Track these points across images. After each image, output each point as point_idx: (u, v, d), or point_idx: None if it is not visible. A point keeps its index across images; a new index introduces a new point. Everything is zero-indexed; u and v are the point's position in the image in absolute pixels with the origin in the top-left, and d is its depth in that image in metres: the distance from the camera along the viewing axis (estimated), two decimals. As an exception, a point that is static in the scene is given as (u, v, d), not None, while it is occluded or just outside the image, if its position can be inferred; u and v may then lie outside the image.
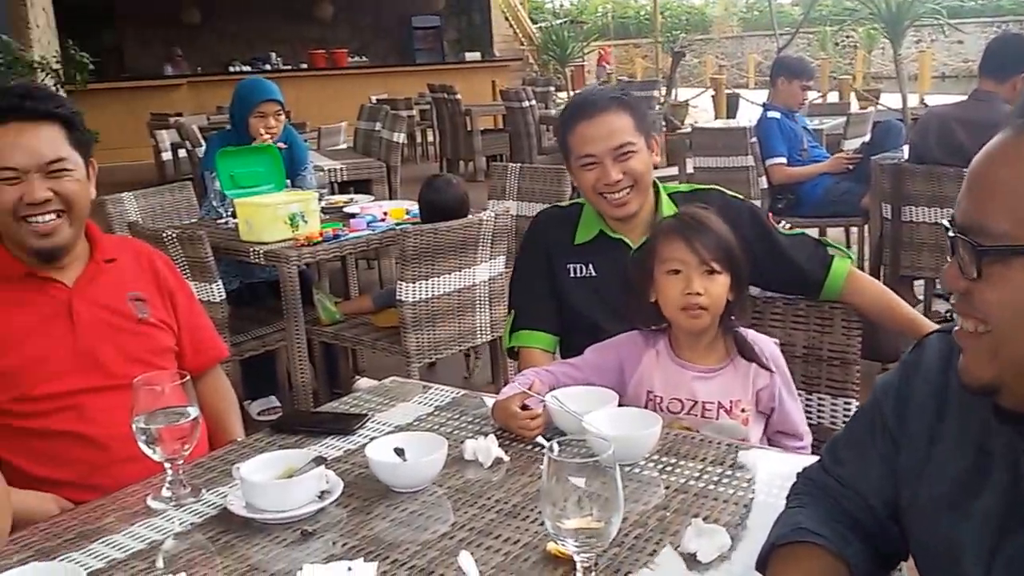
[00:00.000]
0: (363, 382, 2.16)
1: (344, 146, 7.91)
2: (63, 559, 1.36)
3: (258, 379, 4.18)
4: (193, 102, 13.79)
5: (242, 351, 3.75)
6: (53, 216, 1.81)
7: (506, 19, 20.23)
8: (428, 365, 3.77)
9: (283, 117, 4.24)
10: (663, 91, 11.81)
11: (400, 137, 6.86)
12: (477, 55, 17.58)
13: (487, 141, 10.82)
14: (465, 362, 4.14)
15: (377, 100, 10.98)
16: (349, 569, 1.28)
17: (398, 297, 3.42)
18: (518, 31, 20.46)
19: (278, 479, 1.48)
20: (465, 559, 1.28)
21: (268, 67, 16.40)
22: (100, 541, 1.43)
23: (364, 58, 17.68)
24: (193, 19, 17.60)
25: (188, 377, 1.56)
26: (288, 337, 3.71)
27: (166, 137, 10.23)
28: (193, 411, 1.54)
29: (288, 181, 4.16)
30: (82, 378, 1.84)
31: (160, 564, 1.35)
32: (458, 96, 10.97)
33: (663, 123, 8.22)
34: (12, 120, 1.78)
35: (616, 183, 2.06)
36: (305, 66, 16.56)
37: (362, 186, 5.96)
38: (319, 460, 1.50)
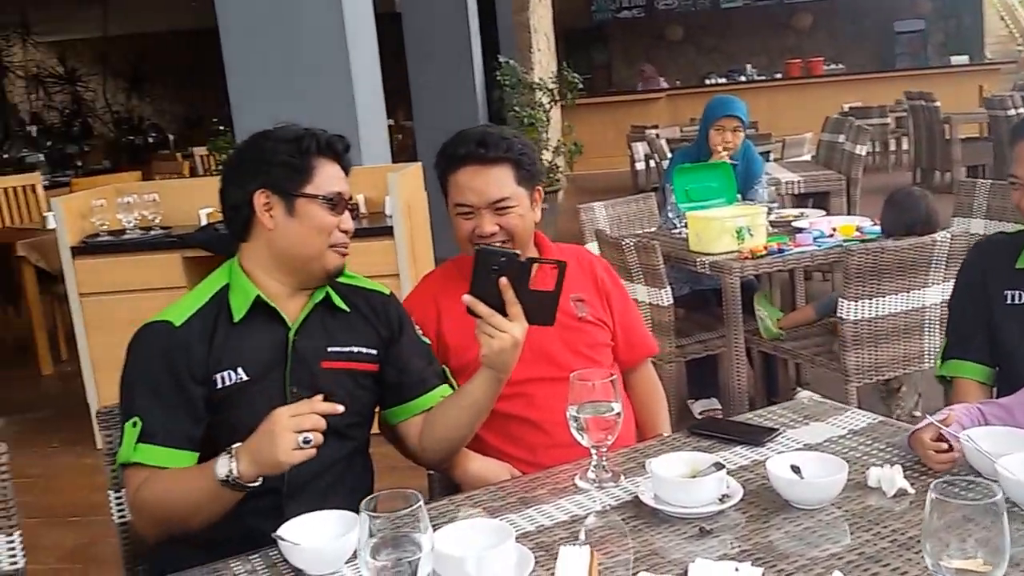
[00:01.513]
0: (804, 394, 2.21)
1: (807, 156, 7.83)
2: (502, 519, 1.62)
3: (701, 380, 4.39)
4: (670, 114, 14.45)
5: (685, 353, 3.97)
6: (499, 244, 2.09)
7: (1001, 19, 18.39)
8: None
9: (741, 134, 4.38)
10: None
11: (863, 149, 6.63)
12: (964, 59, 16.23)
13: (967, 151, 9.95)
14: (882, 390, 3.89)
15: (849, 108, 10.67)
16: (736, 570, 1.37)
17: (839, 314, 3.40)
18: (1015, 31, 18.50)
19: (683, 477, 1.63)
20: (844, 579, 1.32)
21: (743, 78, 16.64)
22: (533, 508, 1.67)
23: (840, 65, 17.18)
24: (676, 36, 18.48)
25: (615, 376, 1.75)
26: (727, 343, 3.85)
27: (640, 149, 10.89)
28: (617, 407, 1.72)
29: (740, 195, 4.30)
30: (534, 368, 2.09)
31: (581, 536, 1.55)
32: (936, 103, 10.24)
33: None
34: (469, 164, 2.08)
35: None
36: (779, 76, 16.51)
37: (820, 198, 5.91)
38: (718, 465, 1.62)
